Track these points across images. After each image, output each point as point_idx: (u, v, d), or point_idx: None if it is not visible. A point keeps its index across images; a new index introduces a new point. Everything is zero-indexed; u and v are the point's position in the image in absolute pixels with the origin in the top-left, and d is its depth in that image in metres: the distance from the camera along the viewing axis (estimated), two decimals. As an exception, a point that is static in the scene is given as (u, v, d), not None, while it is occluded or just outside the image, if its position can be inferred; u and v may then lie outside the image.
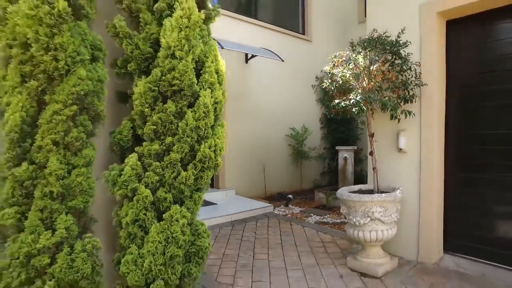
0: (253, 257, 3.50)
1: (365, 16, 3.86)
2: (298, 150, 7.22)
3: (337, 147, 6.33)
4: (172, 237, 2.12)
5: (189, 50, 2.03)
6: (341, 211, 3.21)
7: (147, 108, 2.05)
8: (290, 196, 6.27)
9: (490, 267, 3.00)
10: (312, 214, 5.31)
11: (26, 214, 1.80)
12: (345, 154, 6.05)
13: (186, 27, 2.01)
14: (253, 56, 6.42)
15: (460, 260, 3.19)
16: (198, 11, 2.11)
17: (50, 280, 1.83)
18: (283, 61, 6.29)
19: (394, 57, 3.06)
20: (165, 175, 2.11)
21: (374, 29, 3.12)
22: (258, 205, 5.42)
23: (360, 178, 6.27)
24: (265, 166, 6.89)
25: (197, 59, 2.11)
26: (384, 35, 3.05)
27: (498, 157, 3.02)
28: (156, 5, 2.05)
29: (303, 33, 7.77)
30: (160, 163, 2.11)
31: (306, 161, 7.31)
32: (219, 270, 3.21)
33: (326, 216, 5.16)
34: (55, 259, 1.84)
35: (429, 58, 3.17)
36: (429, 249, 3.22)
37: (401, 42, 3.05)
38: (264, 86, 6.85)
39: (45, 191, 1.79)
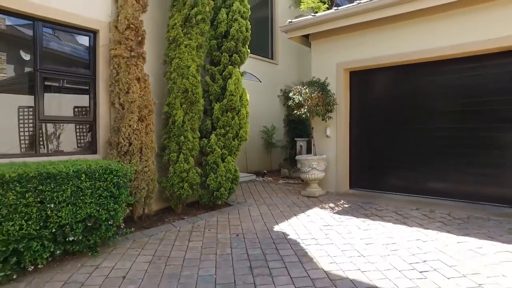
0: (252, 195, 6.46)
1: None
2: (268, 142, 10.24)
3: (295, 139, 9.48)
4: (228, 169, 5.06)
5: (238, 91, 4.98)
6: (297, 166, 6.30)
7: (220, 115, 4.97)
8: (265, 171, 9.31)
9: (373, 192, 6.27)
10: (281, 180, 8.39)
11: (179, 155, 4.65)
12: (301, 143, 9.22)
13: (237, 81, 4.96)
14: (239, 76, 9.34)
15: (356, 190, 6.44)
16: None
17: (186, 182, 4.70)
18: (261, 82, 9.31)
19: (323, 90, 6.21)
20: (226, 143, 5.04)
21: (314, 76, 6.26)
22: (247, 175, 8.39)
23: (310, 159, 9.46)
24: (246, 153, 9.84)
25: (240, 94, 5.06)
26: (317, 79, 6.20)
27: (371, 138, 6.31)
28: (224, 73, 4.98)
29: (272, 58, 10.86)
30: (224, 138, 5.03)
31: (274, 149, 10.37)
32: (236, 197, 6.12)
33: (290, 182, 8.26)
34: (188, 174, 4.71)
35: (340, 90, 6.38)
36: (341, 185, 6.44)
37: (326, 82, 6.22)
38: (246, 96, 9.81)
39: (185, 147, 4.66)
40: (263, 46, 10.80)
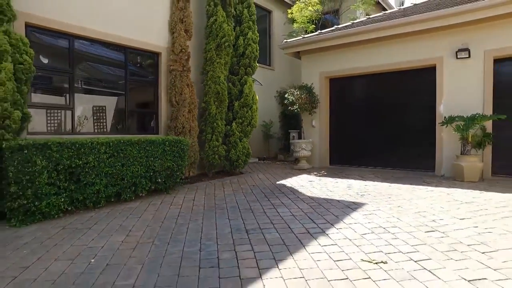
0: (258, 169, 8.72)
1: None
2: (267, 134, 12.51)
3: (289, 130, 11.78)
4: (243, 146, 7.37)
5: (251, 93, 7.27)
6: (291, 148, 8.61)
7: (238, 109, 7.25)
8: (265, 157, 11.61)
9: (346, 166, 8.62)
10: (278, 162, 10.69)
11: (212, 136, 6.93)
12: (293, 134, 11.53)
13: (250, 86, 7.25)
14: (244, 80, 11.59)
15: (334, 166, 8.79)
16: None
17: (216, 154, 6.97)
18: (262, 85, 11.59)
19: (309, 92, 8.52)
20: (242, 128, 7.33)
21: (303, 82, 8.60)
22: (252, 159, 10.66)
23: (301, 147, 11.78)
24: (249, 143, 12.11)
25: (252, 95, 7.35)
26: (306, 84, 8.53)
27: (345, 127, 8.67)
28: (241, 81, 7.27)
29: (269, 65, 13.16)
30: (241, 125, 7.32)
31: (272, 140, 12.65)
32: (247, 170, 8.39)
33: (285, 162, 10.56)
34: (218, 148, 6.98)
35: (322, 92, 8.72)
36: (323, 162, 8.78)
37: (312, 86, 8.55)
38: (249, 96, 12.06)
39: (216, 131, 6.93)
40: (262, 54, 13.07)
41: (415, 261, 2.72)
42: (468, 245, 3.06)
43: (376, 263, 2.71)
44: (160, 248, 3.13)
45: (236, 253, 2.99)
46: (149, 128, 6.71)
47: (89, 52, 5.81)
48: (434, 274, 2.48)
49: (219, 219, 4.08)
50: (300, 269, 2.63)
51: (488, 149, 6.55)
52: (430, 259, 2.76)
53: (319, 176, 7.35)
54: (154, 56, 6.58)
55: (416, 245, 3.08)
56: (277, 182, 6.58)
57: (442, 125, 6.80)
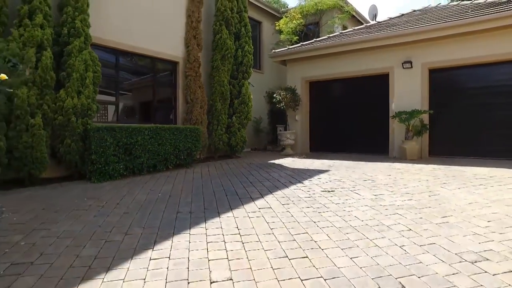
0: (251, 155, 10.72)
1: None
2: (258, 128, 14.53)
3: (276, 125, 13.83)
4: (241, 135, 9.38)
5: (247, 93, 9.28)
6: (278, 138, 10.67)
7: (238, 106, 9.25)
8: (256, 147, 13.64)
9: (323, 152, 10.74)
10: (268, 151, 12.72)
11: (217, 127, 8.91)
12: (280, 128, 13.58)
13: (247, 88, 9.26)
14: (238, 82, 13.59)
15: (313, 152, 10.89)
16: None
17: (221, 141, 8.96)
18: (254, 86, 13.58)
19: (293, 92, 10.59)
20: (240, 121, 9.34)
21: (288, 84, 10.67)
22: (246, 149, 12.67)
23: (287, 139, 13.89)
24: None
25: (248, 95, 9.36)
26: (290, 86, 10.61)
27: (322, 121, 10.80)
28: (239, 83, 9.27)
29: (259, 69, 15.17)
30: (239, 118, 9.31)
31: (262, 134, 14.68)
32: (243, 155, 10.38)
33: (273, 151, 12.60)
34: (222, 137, 8.96)
35: (303, 93, 10.82)
36: (304, 149, 10.88)
37: (295, 88, 10.63)
38: (242, 96, 14.07)
39: (221, 123, 8.92)
40: (253, 60, 15.07)
41: (351, 190, 4.80)
42: (384, 184, 5.18)
43: (328, 191, 4.78)
44: (199, 190, 5.12)
45: (246, 190, 5.01)
46: (169, 120, 8.62)
47: (126, 64, 7.70)
48: (360, 194, 4.57)
49: (231, 178, 6.08)
50: (285, 194, 4.68)
51: (426, 136, 8.77)
52: (360, 189, 4.85)
53: (300, 158, 9.42)
54: (173, 64, 8.49)
55: (355, 185, 5.18)
56: (268, 162, 8.61)
57: (392, 118, 8.99)
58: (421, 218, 3.50)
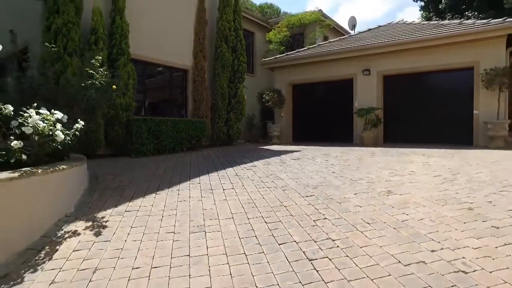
0: (245, 144, 13.17)
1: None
2: (251, 124, 16.98)
3: (266, 121, 16.29)
4: (237, 127, 11.86)
5: (242, 94, 11.74)
6: (267, 130, 13.14)
7: (234, 104, 11.72)
8: (249, 140, 16.11)
9: (303, 142, 13.25)
10: (259, 143, 15.19)
11: (218, 120, 11.38)
12: (269, 123, 16.08)
13: (242, 90, 11.74)
14: (234, 84, 16.05)
15: (296, 142, 13.41)
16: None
17: (221, 132, 11.43)
18: (247, 88, 16.04)
19: (279, 94, 13.07)
20: (236, 116, 11.80)
21: (276, 87, 13.17)
22: (241, 141, 15.13)
23: (275, 133, 16.40)
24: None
25: (243, 95, 11.83)
26: (277, 88, 13.10)
27: (304, 117, 13.31)
28: (236, 86, 11.74)
29: (252, 73, 17.63)
30: (236, 114, 11.77)
31: (254, 128, 17.13)
32: (238, 144, 12.83)
33: (264, 143, 15.07)
34: (222, 128, 11.42)
35: (287, 94, 13.32)
36: (288, 139, 13.38)
37: (281, 90, 13.11)
38: (237, 96, 16.54)
39: (221, 117, 11.38)
40: (246, 65, 17.53)
41: (310, 159, 7.30)
42: (334, 156, 7.70)
43: (295, 159, 7.28)
44: (209, 160, 7.59)
45: (242, 160, 7.48)
46: (181, 115, 11.04)
47: (151, 71, 10.12)
48: (315, 160, 7.08)
49: (230, 155, 8.55)
50: (266, 161, 7.18)
51: (381, 127, 11.32)
52: (316, 158, 7.36)
53: (284, 145, 11.91)
54: (185, 72, 10.93)
55: (314, 156, 7.68)
56: (258, 147, 11.08)
57: (355, 114, 11.52)
58: (344, 168, 6.01)
